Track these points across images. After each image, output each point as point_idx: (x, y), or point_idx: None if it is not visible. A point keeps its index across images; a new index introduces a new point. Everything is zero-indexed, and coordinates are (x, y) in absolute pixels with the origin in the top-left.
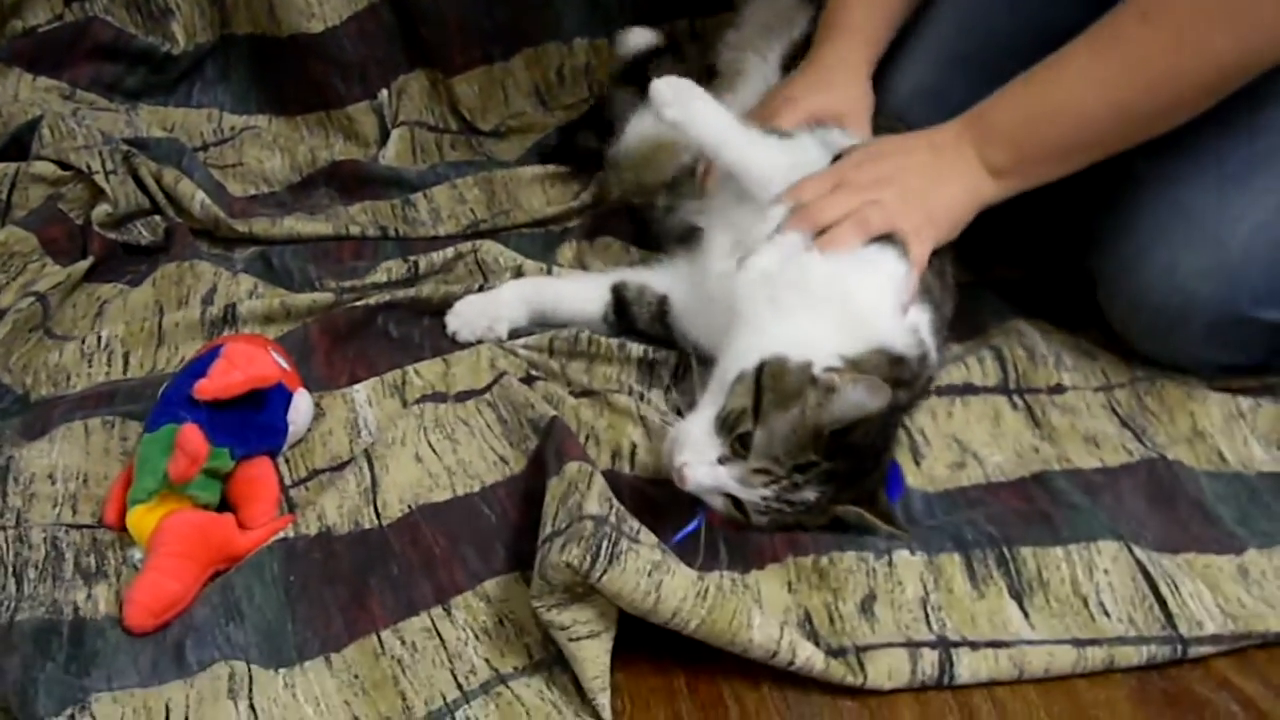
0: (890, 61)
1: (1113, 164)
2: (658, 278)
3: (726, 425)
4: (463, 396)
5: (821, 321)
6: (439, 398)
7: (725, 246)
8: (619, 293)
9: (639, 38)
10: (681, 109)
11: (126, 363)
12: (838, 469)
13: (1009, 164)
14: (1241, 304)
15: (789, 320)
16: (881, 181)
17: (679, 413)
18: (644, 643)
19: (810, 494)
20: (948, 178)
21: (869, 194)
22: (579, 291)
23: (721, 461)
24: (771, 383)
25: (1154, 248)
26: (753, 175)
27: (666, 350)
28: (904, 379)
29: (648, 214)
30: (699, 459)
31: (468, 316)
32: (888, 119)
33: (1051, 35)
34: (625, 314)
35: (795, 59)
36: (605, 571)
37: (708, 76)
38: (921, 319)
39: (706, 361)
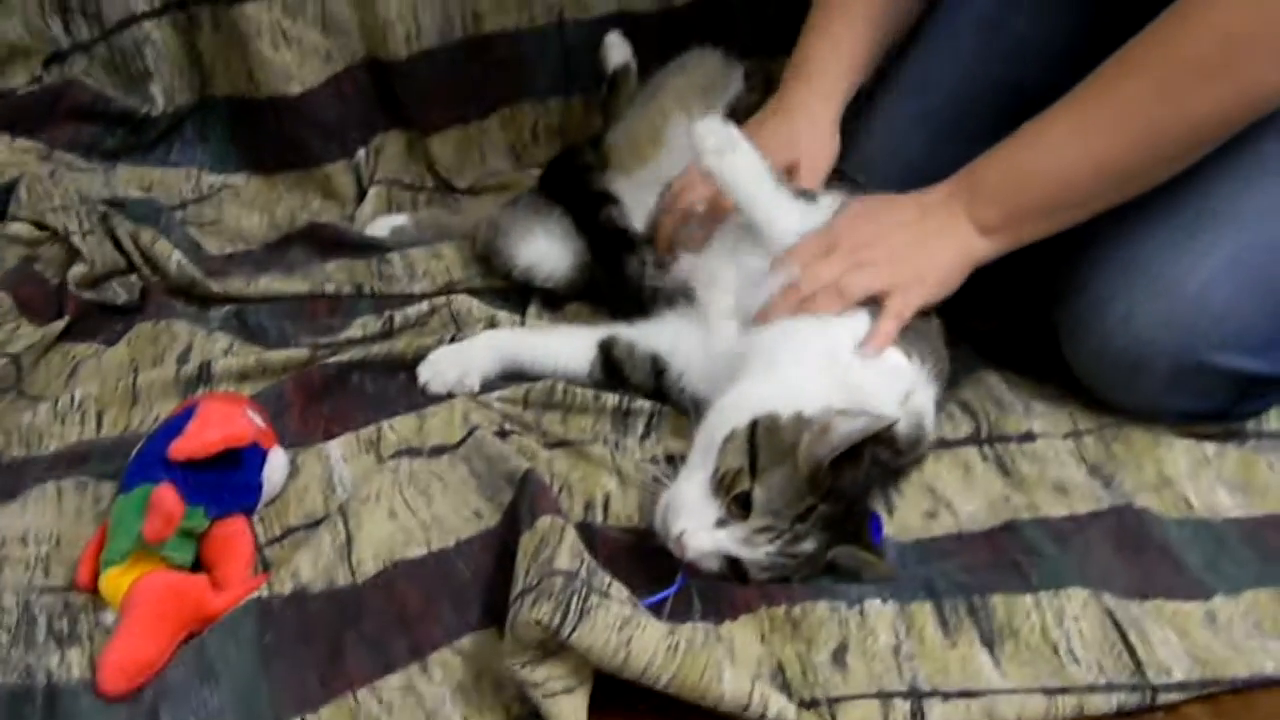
0: (849, 120)
1: None
2: (649, 335)
3: (723, 486)
4: (437, 451)
5: (812, 381)
6: (413, 453)
7: (728, 307)
8: (607, 350)
9: (618, 52)
10: (718, 158)
11: (100, 423)
12: (833, 513)
13: (998, 221)
14: (1199, 351)
15: (779, 378)
16: (872, 241)
17: (655, 461)
18: (620, 698)
19: (810, 544)
20: (936, 236)
21: (858, 255)
22: (561, 347)
23: (720, 524)
24: (767, 439)
25: (1112, 299)
26: (774, 239)
27: (642, 400)
28: (889, 441)
29: (631, 271)
30: (698, 524)
31: (439, 367)
32: (847, 175)
33: (1003, 92)
34: (615, 371)
35: (735, 115)
36: (575, 628)
37: (593, 148)
38: (927, 400)
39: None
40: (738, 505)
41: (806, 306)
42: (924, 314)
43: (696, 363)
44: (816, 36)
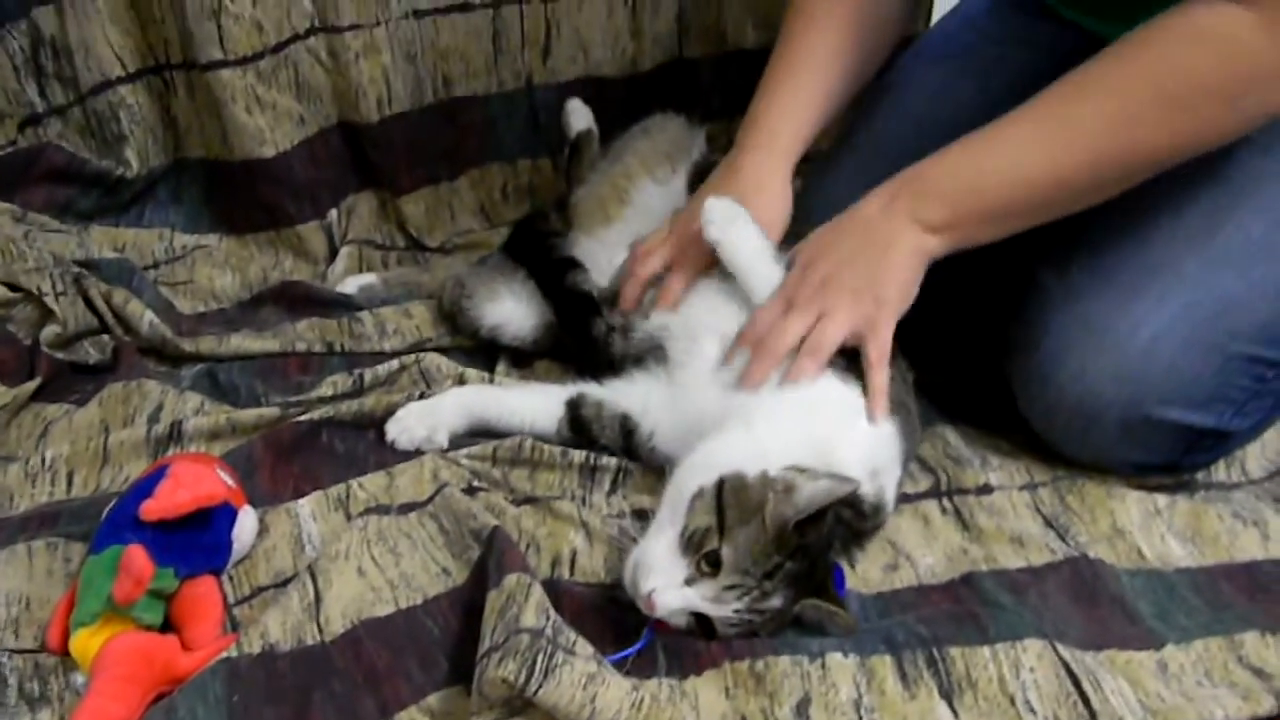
0: (807, 185)
1: (1020, 276)
2: (619, 395)
3: (692, 544)
4: (405, 509)
5: (781, 439)
6: (382, 510)
7: (708, 369)
8: (575, 409)
9: (579, 118)
10: (721, 230)
11: (71, 483)
12: (799, 570)
13: (945, 221)
14: (1147, 405)
15: (750, 437)
16: (827, 285)
17: (622, 516)
18: None
19: (777, 600)
20: (885, 249)
21: (818, 304)
22: (529, 404)
23: (689, 582)
24: (734, 498)
25: (1064, 355)
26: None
27: (609, 456)
28: (853, 502)
29: (598, 333)
30: (667, 582)
31: (407, 424)
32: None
33: None
34: (583, 430)
35: (699, 176)
36: (541, 685)
37: (558, 211)
38: (890, 479)
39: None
40: (706, 563)
41: (790, 377)
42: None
43: (667, 422)
44: (771, 96)
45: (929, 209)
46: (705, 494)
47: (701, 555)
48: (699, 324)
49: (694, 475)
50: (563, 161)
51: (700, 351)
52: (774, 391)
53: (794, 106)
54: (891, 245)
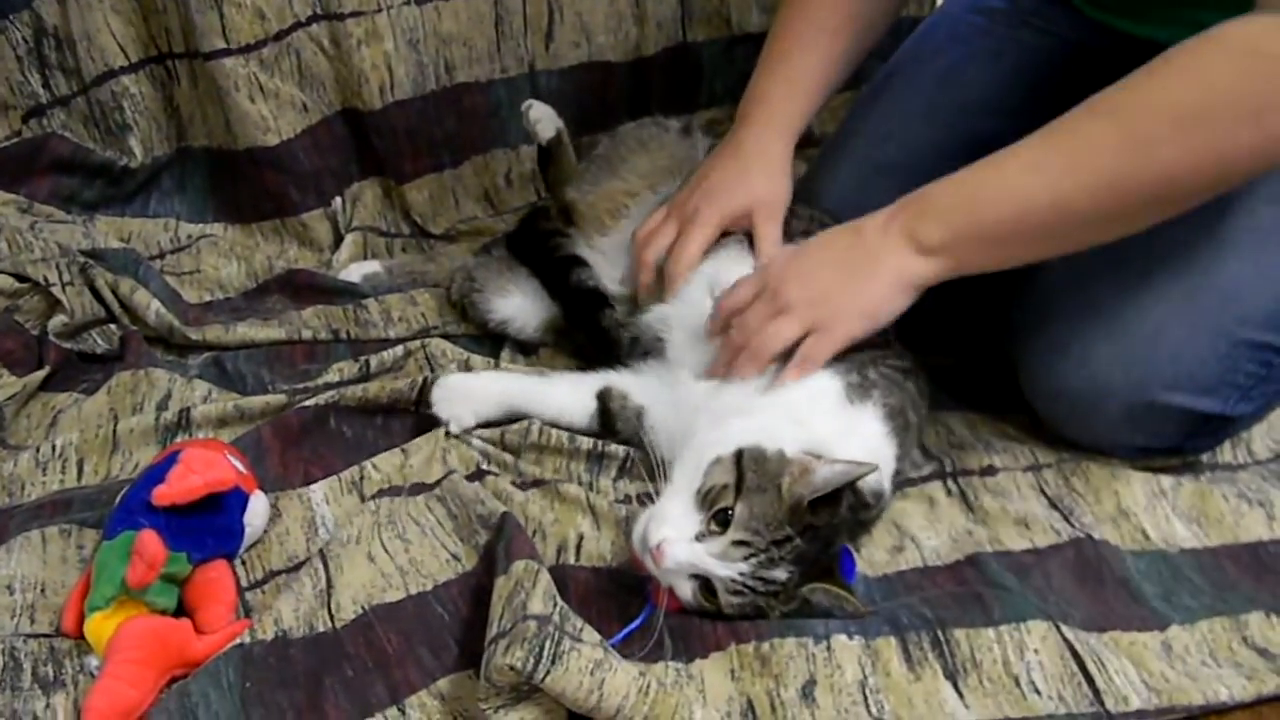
0: (813, 170)
1: None
2: (637, 386)
3: (707, 501)
4: (416, 489)
5: (786, 425)
6: (395, 491)
7: (696, 360)
8: (604, 400)
9: (546, 125)
10: None
11: (81, 470)
12: (808, 551)
13: (940, 242)
14: (1151, 390)
15: (758, 423)
16: (795, 280)
17: (628, 500)
18: None
19: (781, 573)
20: (866, 264)
21: (779, 299)
22: (565, 395)
23: (699, 539)
24: (753, 465)
25: (1069, 340)
26: None
27: (615, 444)
28: (857, 491)
29: (608, 324)
30: (678, 535)
31: (450, 397)
32: (810, 216)
33: (963, 144)
34: (610, 423)
35: None
36: (548, 672)
37: (564, 216)
38: (886, 472)
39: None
40: (717, 522)
41: (732, 372)
42: (907, 387)
43: (667, 416)
44: (771, 72)
45: (925, 227)
46: (724, 460)
47: (714, 512)
48: (694, 318)
49: (710, 448)
50: (534, 160)
51: (693, 346)
52: (758, 386)
53: (793, 83)
54: (874, 259)
